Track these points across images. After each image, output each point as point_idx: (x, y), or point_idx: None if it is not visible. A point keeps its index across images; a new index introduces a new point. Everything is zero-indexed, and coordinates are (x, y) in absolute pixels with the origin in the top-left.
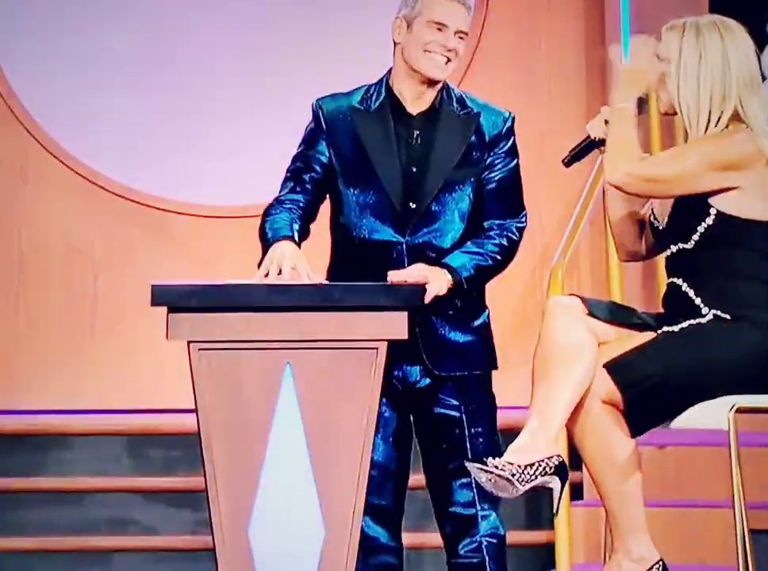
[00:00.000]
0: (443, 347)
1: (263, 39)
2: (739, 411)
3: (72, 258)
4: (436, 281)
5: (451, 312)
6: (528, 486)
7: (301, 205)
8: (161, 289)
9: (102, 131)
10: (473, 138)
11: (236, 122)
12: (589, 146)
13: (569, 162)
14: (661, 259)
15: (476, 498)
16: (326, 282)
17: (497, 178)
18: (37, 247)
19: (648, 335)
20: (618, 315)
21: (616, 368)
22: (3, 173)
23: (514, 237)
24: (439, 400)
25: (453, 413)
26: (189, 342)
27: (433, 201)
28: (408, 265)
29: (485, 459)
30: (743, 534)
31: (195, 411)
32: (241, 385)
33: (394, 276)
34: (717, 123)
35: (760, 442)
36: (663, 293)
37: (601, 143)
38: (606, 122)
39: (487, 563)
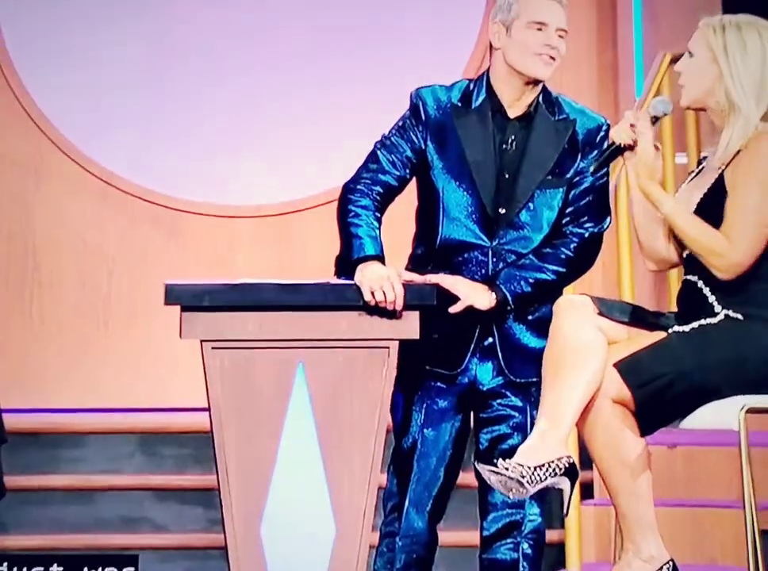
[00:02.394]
0: (521, 352)
1: (277, 38)
2: (750, 411)
3: (86, 258)
4: (474, 298)
5: (530, 318)
6: (537, 487)
7: (381, 192)
8: (174, 288)
9: (116, 131)
10: (566, 145)
11: (249, 122)
12: (615, 152)
13: (595, 169)
14: None
15: (526, 501)
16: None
17: (584, 185)
18: (51, 246)
19: (659, 335)
20: (629, 314)
21: (626, 367)
22: (17, 173)
23: (586, 245)
24: (505, 402)
25: (517, 415)
26: (202, 341)
27: (523, 209)
28: (493, 269)
29: (495, 460)
30: (754, 534)
31: (208, 409)
32: (254, 384)
33: (439, 279)
34: (750, 120)
35: None
36: (678, 289)
37: (627, 148)
38: (631, 125)
39: (520, 563)
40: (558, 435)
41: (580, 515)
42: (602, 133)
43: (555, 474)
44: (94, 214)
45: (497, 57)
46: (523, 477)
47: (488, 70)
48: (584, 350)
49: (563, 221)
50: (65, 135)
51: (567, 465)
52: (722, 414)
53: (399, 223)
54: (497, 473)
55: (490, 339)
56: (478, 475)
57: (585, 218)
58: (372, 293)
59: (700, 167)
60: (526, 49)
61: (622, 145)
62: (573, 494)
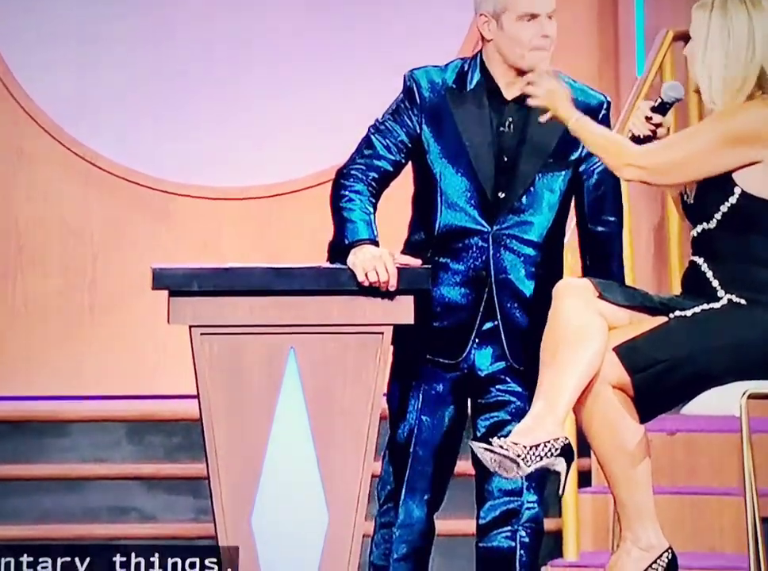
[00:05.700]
0: (523, 336)
1: (268, 19)
2: (751, 397)
3: (71, 241)
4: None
5: (531, 302)
6: (533, 467)
7: (376, 177)
8: (162, 272)
9: (102, 111)
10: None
11: (237, 103)
12: (637, 143)
13: None
14: (672, 242)
15: (524, 489)
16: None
17: (597, 172)
18: (35, 228)
19: (660, 320)
20: (630, 298)
21: (625, 352)
22: (0, 153)
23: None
24: (505, 387)
25: (517, 401)
26: (190, 327)
27: (524, 193)
28: (493, 255)
29: (490, 439)
30: (755, 521)
31: (197, 396)
32: (244, 370)
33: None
34: (735, 101)
35: None
36: (684, 269)
37: (648, 139)
38: (647, 118)
39: (518, 552)
40: (554, 416)
41: (577, 504)
42: (604, 111)
43: (551, 455)
44: (78, 196)
45: (490, 46)
46: (518, 456)
47: (482, 50)
48: (583, 333)
49: (589, 213)
50: (49, 114)
51: (563, 446)
52: (723, 399)
53: (395, 209)
54: (492, 451)
55: (491, 324)
56: (476, 461)
57: (610, 210)
58: (366, 274)
59: None
60: (520, 44)
61: (642, 136)
62: (568, 476)
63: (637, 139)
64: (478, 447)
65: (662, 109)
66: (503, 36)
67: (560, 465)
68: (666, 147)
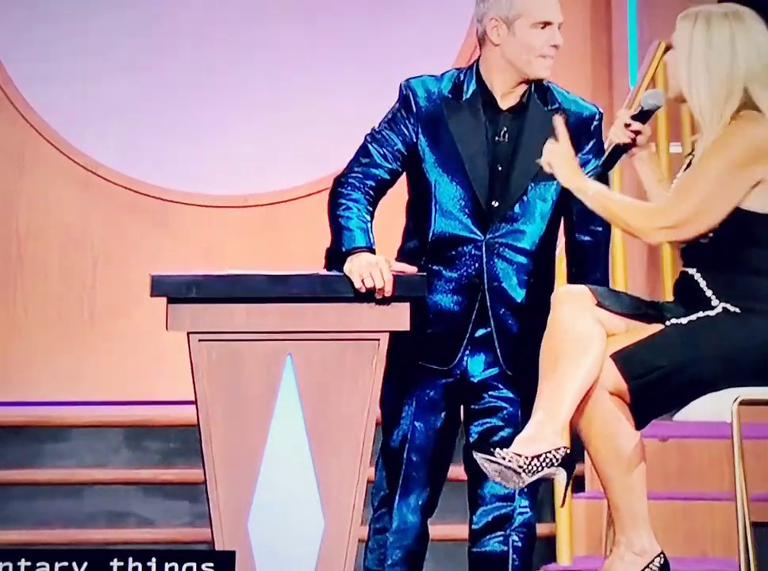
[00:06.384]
0: (516, 343)
1: (267, 29)
2: (743, 403)
3: (71, 248)
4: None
5: (523, 310)
6: (534, 477)
7: (373, 186)
8: (161, 279)
9: (102, 120)
10: None
11: (237, 111)
12: (617, 152)
13: (602, 171)
14: (665, 249)
15: (516, 494)
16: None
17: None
18: (36, 236)
19: (656, 327)
20: (627, 306)
21: (623, 359)
22: (1, 161)
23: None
24: (497, 393)
25: (509, 407)
26: (189, 333)
27: (517, 202)
28: (486, 263)
29: (492, 449)
30: (745, 526)
31: (195, 402)
32: (241, 376)
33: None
34: (722, 117)
35: (763, 434)
36: (675, 280)
37: (629, 147)
38: (626, 125)
39: (510, 556)
40: (555, 426)
41: (571, 509)
42: (596, 122)
43: (552, 464)
44: (78, 204)
45: (493, 52)
46: (520, 466)
47: (478, 60)
48: (582, 341)
49: (577, 221)
50: (50, 124)
51: (564, 456)
52: (715, 405)
53: (389, 217)
54: (494, 461)
55: (484, 330)
56: (469, 467)
57: (597, 221)
58: (362, 281)
59: (693, 156)
60: (531, 50)
61: (622, 145)
62: (568, 485)
63: (618, 148)
64: (481, 457)
65: (642, 116)
66: (514, 41)
67: (561, 475)
68: (683, 199)
